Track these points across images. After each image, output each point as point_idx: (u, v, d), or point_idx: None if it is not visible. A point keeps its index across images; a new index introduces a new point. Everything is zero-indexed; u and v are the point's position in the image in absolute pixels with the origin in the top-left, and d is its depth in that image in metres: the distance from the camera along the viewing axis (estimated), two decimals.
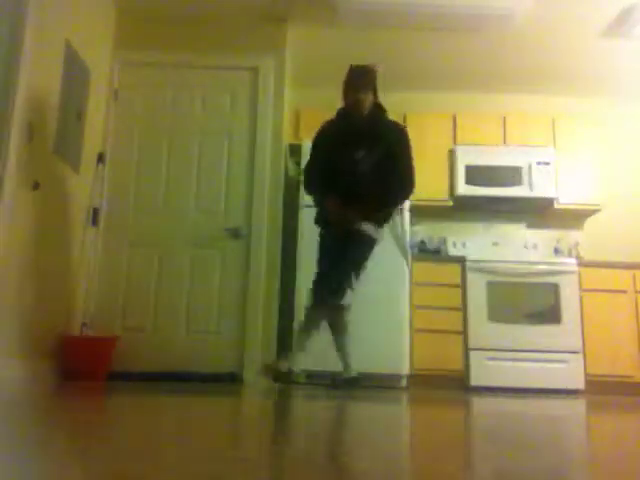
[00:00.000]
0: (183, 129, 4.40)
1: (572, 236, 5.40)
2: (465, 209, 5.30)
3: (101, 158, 4.23)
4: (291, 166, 4.87)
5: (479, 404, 2.50)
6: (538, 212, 5.35)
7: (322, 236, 3.56)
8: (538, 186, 5.02)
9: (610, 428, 1.43)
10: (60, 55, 3.59)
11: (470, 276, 4.63)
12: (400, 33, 4.69)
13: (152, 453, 0.76)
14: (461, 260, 4.70)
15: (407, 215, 4.50)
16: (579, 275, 4.68)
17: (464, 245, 5.25)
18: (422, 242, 5.28)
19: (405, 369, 4.30)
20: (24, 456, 0.72)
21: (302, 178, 3.75)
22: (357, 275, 3.43)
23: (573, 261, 4.76)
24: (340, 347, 3.50)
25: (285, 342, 4.34)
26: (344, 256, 3.40)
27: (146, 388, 2.77)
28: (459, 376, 4.52)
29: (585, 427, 1.49)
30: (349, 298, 3.40)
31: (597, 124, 5.35)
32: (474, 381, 4.44)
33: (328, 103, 5.52)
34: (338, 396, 2.69)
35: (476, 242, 5.29)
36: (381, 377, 4.19)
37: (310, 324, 3.42)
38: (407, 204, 4.48)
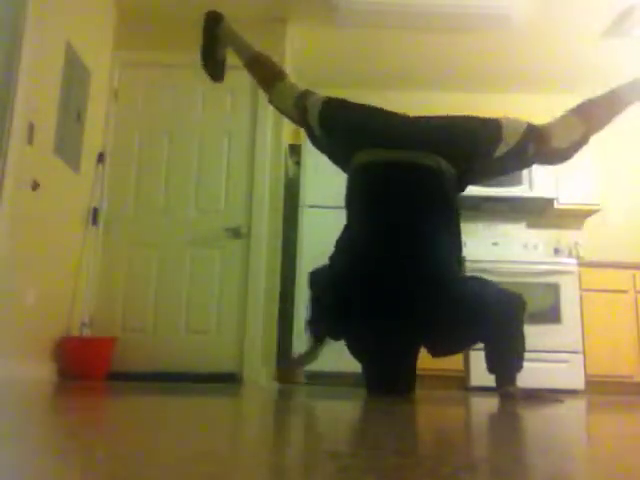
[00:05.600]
0: (183, 129, 4.40)
1: (572, 236, 5.40)
2: (465, 209, 5.29)
3: (101, 158, 4.23)
4: (291, 166, 4.87)
5: (481, 404, 2.50)
6: (538, 212, 5.35)
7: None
8: (538, 186, 5.02)
9: (610, 428, 1.43)
10: (60, 55, 3.59)
11: None
12: (400, 33, 4.69)
13: (151, 453, 0.76)
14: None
15: None
16: (579, 275, 4.68)
17: (464, 245, 5.25)
18: None
19: None
20: (23, 456, 0.72)
21: None
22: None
23: (573, 261, 4.75)
24: None
25: (285, 342, 4.34)
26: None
27: (146, 388, 2.77)
28: (459, 376, 4.52)
29: (585, 427, 1.49)
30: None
31: None
32: (474, 381, 4.43)
33: None
34: (336, 396, 2.69)
35: (476, 242, 5.29)
36: None
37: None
38: None
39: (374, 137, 2.51)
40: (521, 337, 2.45)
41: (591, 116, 2.53)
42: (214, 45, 2.76)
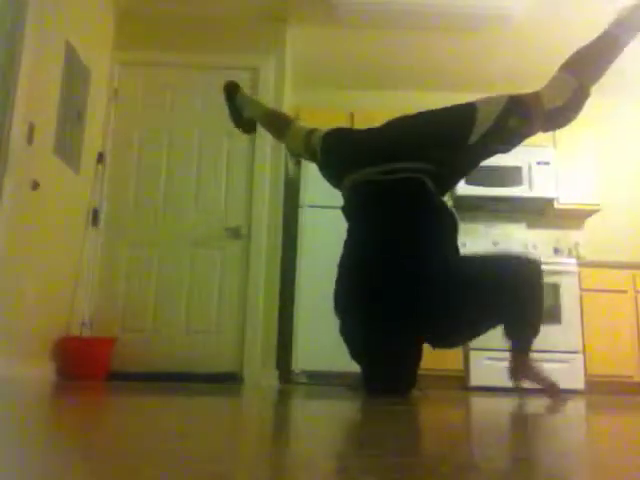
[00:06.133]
0: (183, 129, 4.40)
1: (572, 236, 5.40)
2: (465, 209, 5.30)
3: (101, 158, 4.23)
4: (291, 166, 4.87)
5: (481, 404, 2.50)
6: (538, 212, 5.35)
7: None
8: (538, 186, 5.02)
9: (611, 428, 1.43)
10: (60, 55, 3.59)
11: None
12: (400, 33, 4.69)
13: (151, 453, 0.76)
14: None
15: None
16: (579, 275, 4.68)
17: (464, 245, 5.25)
18: None
19: None
20: (23, 456, 0.72)
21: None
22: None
23: (573, 261, 4.76)
24: None
25: (285, 342, 4.34)
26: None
27: (146, 388, 2.77)
28: (459, 376, 4.52)
29: (586, 427, 1.49)
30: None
31: (597, 124, 5.34)
32: (474, 381, 4.44)
33: (328, 103, 5.54)
34: (338, 396, 2.69)
35: (476, 242, 5.29)
36: None
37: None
38: None
39: (356, 161, 2.61)
40: (535, 303, 2.58)
41: (582, 68, 2.42)
42: (238, 109, 3.08)
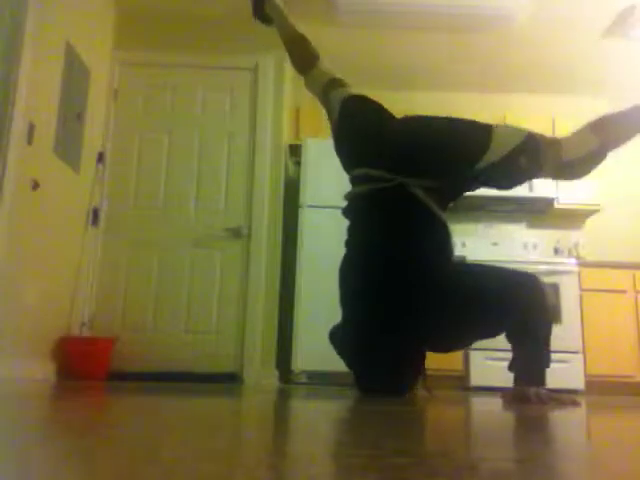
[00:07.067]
0: (183, 129, 4.40)
1: (572, 236, 5.40)
2: (465, 209, 5.30)
3: (101, 158, 4.23)
4: (291, 166, 4.87)
5: (481, 404, 2.50)
6: (538, 212, 5.35)
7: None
8: (538, 186, 5.02)
9: (611, 429, 1.43)
10: (60, 55, 3.59)
11: None
12: (400, 33, 4.69)
13: (151, 453, 0.76)
14: (461, 260, 4.69)
15: None
16: (579, 275, 4.68)
17: (464, 245, 5.26)
18: None
19: None
20: (23, 456, 0.72)
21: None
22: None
23: (573, 261, 4.76)
24: None
25: (285, 342, 4.34)
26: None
27: (146, 388, 2.77)
28: (459, 376, 4.52)
29: (585, 427, 1.49)
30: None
31: None
32: (474, 381, 4.44)
33: None
34: (335, 396, 2.69)
35: (476, 242, 5.29)
36: None
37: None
38: None
39: (366, 158, 2.54)
40: (542, 327, 2.34)
41: (605, 130, 2.36)
42: (262, 5, 2.96)
